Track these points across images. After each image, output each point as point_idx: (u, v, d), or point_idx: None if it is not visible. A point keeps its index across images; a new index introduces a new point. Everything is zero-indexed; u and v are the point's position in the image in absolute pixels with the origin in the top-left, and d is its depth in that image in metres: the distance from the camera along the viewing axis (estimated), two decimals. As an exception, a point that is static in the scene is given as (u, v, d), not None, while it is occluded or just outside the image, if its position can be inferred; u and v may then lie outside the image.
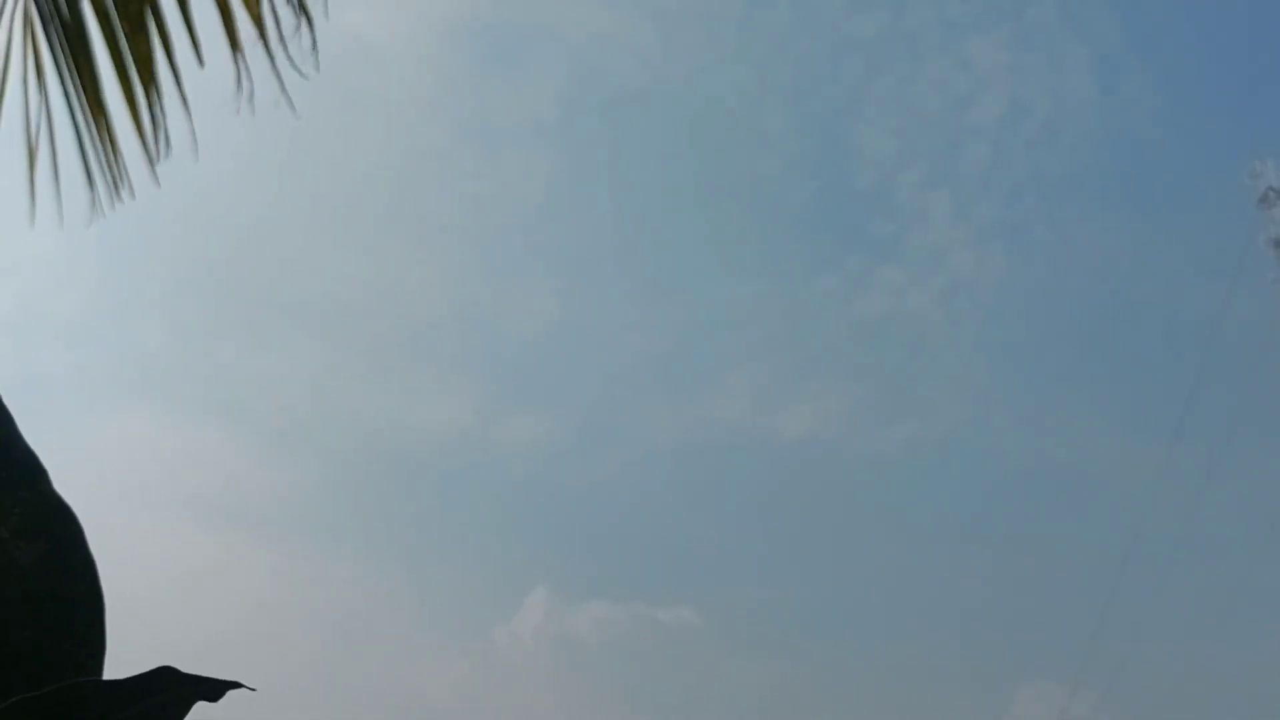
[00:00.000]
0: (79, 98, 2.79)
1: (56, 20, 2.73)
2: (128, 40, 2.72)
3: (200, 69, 2.69)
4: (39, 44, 2.79)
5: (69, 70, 2.76)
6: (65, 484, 0.87)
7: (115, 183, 2.83)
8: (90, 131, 2.79)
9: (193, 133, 2.72)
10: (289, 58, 2.63)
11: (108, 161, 2.83)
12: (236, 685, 0.70)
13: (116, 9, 2.70)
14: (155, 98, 2.73)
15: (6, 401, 0.85)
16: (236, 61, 2.65)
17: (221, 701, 0.73)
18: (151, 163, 2.75)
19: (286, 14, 2.63)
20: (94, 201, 2.80)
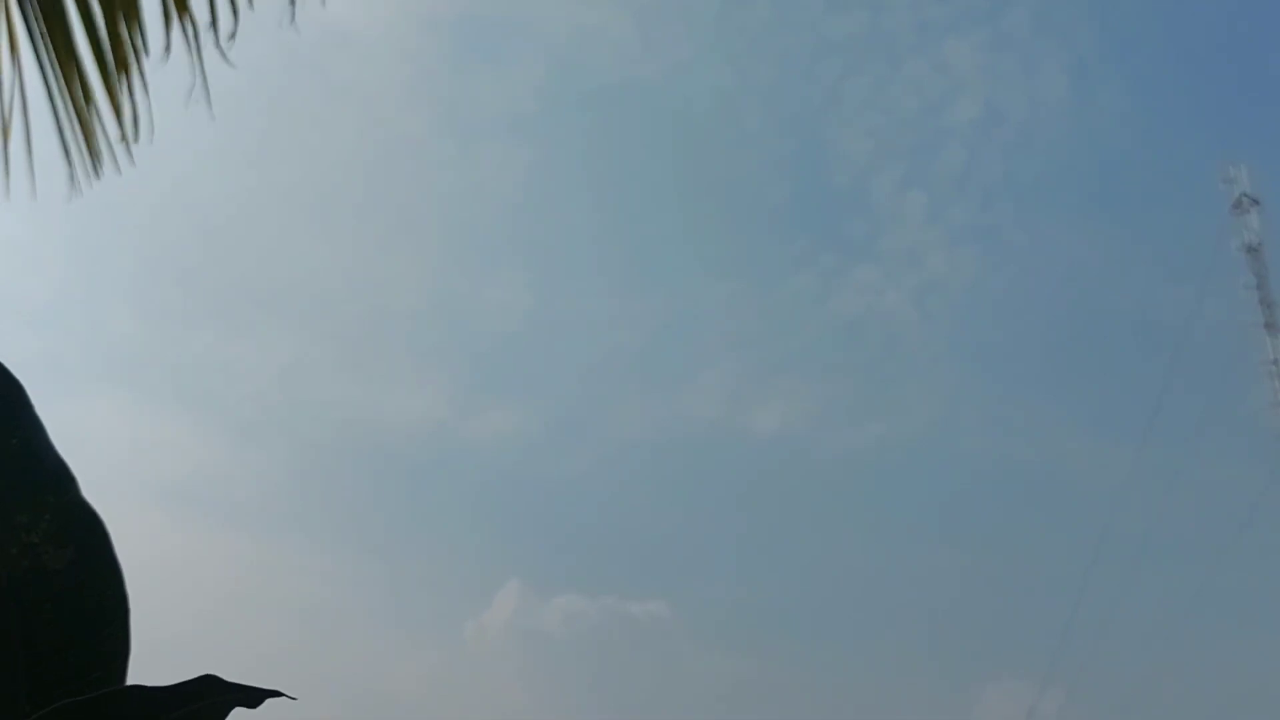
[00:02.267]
0: (55, 73, 2.76)
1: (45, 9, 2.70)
2: (104, 17, 2.69)
3: (148, 54, 2.65)
4: (13, 16, 2.77)
5: (45, 44, 2.74)
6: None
7: (94, 160, 2.81)
8: (66, 108, 2.76)
9: (151, 116, 2.68)
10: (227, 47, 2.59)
11: (85, 138, 2.81)
12: (276, 694, 0.72)
13: None
14: (129, 77, 2.70)
15: None
16: (185, 40, 2.60)
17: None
18: (126, 143, 2.73)
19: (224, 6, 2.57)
20: (72, 178, 2.78)
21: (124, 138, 2.71)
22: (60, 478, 0.84)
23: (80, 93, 2.74)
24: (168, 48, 2.56)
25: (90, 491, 0.86)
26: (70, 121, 2.77)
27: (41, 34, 2.73)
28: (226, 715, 0.73)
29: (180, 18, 2.54)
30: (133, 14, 2.67)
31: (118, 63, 2.70)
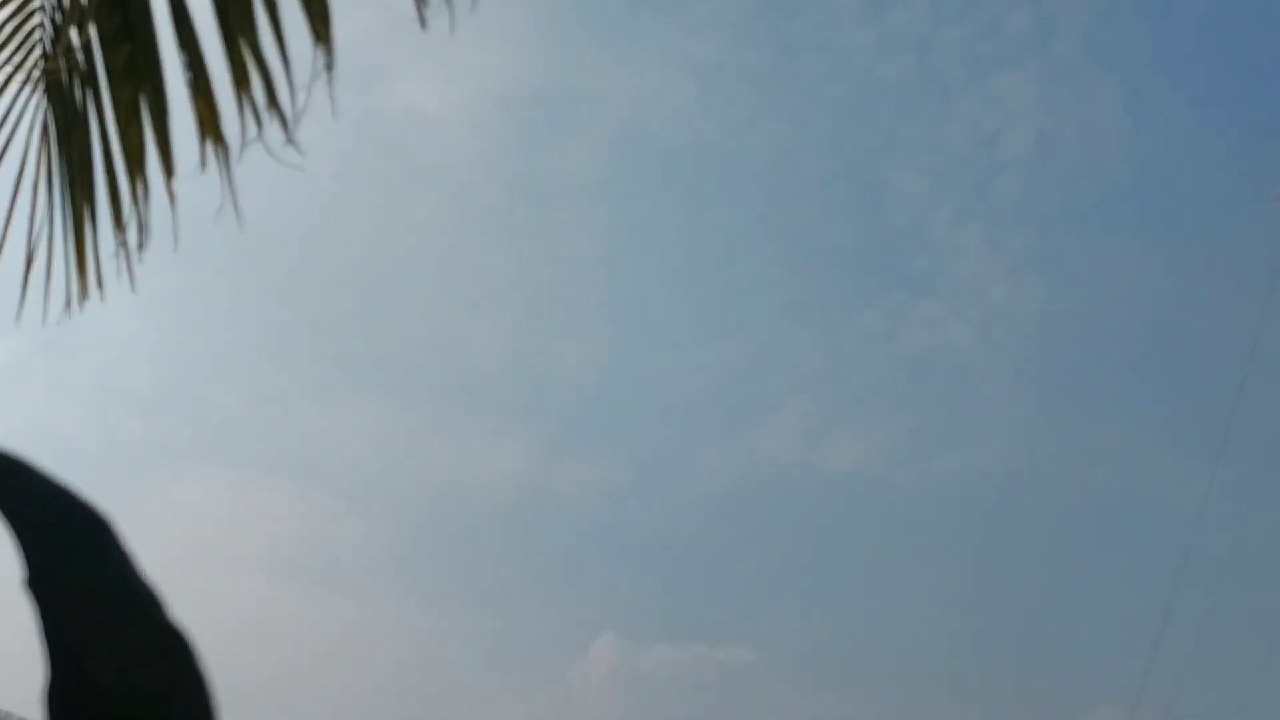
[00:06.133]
0: (63, 203, 2.91)
1: (64, 126, 2.83)
2: (120, 135, 2.79)
3: (171, 173, 2.76)
4: (53, 153, 2.92)
5: (64, 176, 2.88)
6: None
7: (85, 286, 2.94)
8: (69, 236, 2.90)
9: (175, 226, 2.77)
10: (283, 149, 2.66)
11: (79, 266, 2.94)
12: None
13: (112, 101, 2.77)
14: (140, 194, 2.81)
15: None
16: (217, 159, 2.69)
17: None
18: (130, 261, 2.84)
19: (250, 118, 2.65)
20: (67, 300, 2.90)
21: (125, 250, 2.82)
22: (151, 602, 0.93)
23: (84, 212, 2.86)
24: (202, 163, 2.68)
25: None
26: (72, 250, 2.90)
27: (65, 167, 2.86)
28: None
29: (206, 138, 2.65)
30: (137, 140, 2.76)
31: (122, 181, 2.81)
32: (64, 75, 2.76)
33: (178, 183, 2.79)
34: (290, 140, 2.61)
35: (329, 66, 2.55)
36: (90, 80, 2.77)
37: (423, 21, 2.52)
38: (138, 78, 2.74)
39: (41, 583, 0.90)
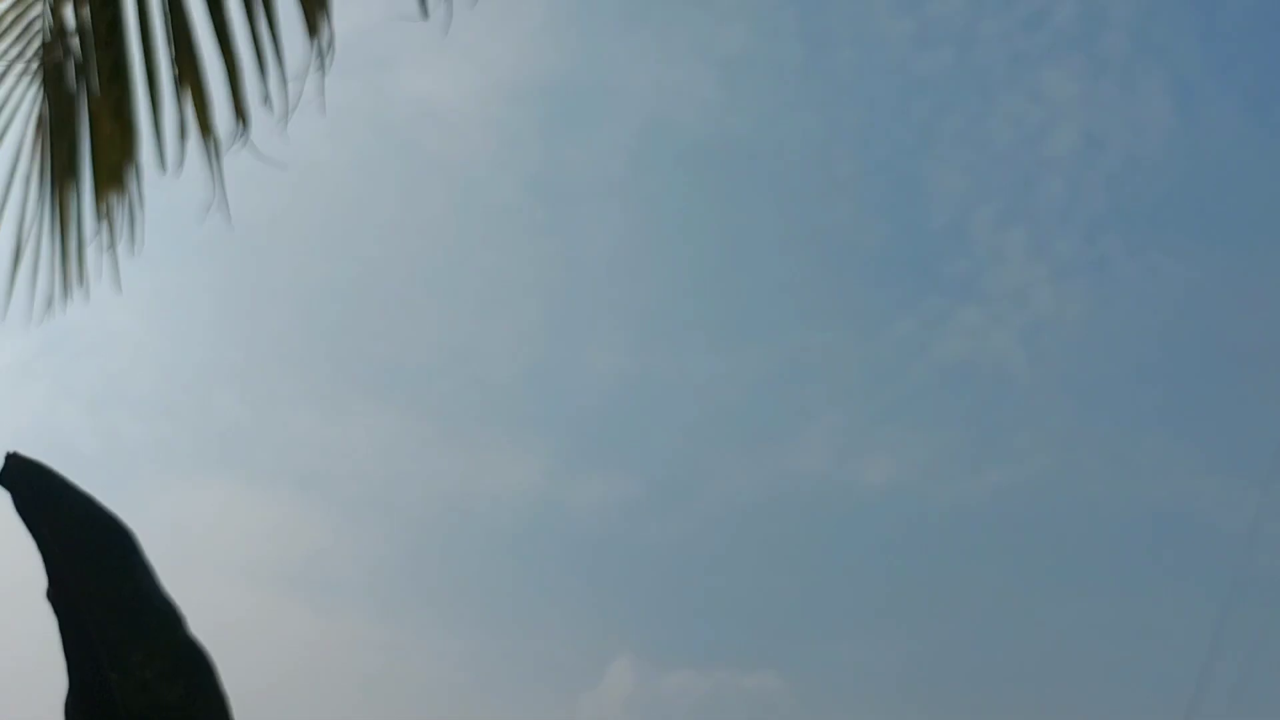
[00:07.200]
0: (53, 197, 2.88)
1: (56, 122, 2.81)
2: (110, 126, 2.76)
3: (164, 172, 2.73)
4: (46, 146, 2.89)
5: (50, 168, 2.86)
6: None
7: (69, 283, 2.92)
8: (56, 231, 2.88)
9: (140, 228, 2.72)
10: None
11: (65, 263, 2.91)
12: None
13: (102, 91, 2.73)
14: (124, 194, 2.79)
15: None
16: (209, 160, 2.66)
17: None
18: (115, 262, 2.83)
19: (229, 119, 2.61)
20: (50, 298, 2.88)
21: (111, 244, 2.79)
22: (170, 618, 0.91)
23: (73, 208, 2.83)
24: (181, 161, 2.65)
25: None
26: (57, 246, 2.87)
27: (54, 160, 2.83)
28: None
29: (202, 134, 2.62)
30: (128, 137, 2.74)
31: (111, 178, 2.78)
32: (60, 61, 2.73)
33: (172, 180, 2.76)
34: (291, 131, 2.58)
35: (324, 60, 2.51)
36: (86, 70, 2.73)
37: (425, 11, 2.48)
38: (126, 68, 2.71)
39: (64, 595, 0.88)
